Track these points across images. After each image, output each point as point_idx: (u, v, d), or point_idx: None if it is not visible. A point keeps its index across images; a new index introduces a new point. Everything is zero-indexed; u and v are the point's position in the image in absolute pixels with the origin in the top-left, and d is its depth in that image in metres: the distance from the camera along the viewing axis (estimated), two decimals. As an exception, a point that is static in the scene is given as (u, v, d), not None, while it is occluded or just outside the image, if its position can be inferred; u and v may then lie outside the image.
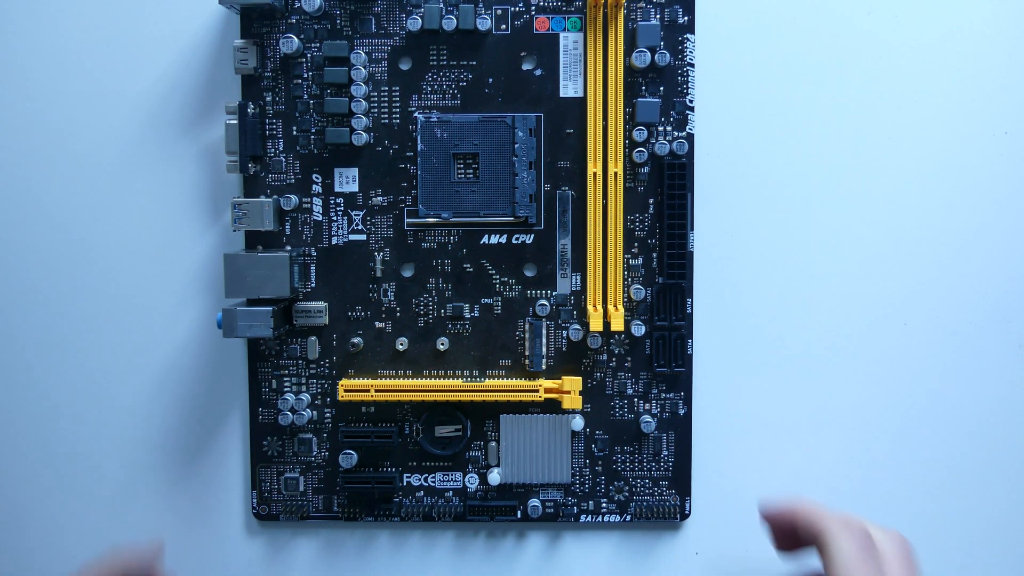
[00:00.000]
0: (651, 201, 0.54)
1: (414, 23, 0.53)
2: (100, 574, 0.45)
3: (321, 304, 0.55)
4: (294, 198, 0.54)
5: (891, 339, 0.56)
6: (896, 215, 0.56)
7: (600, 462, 0.56)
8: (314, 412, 0.56)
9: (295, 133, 0.54)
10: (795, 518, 0.45)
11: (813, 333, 0.56)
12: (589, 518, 0.56)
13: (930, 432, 0.56)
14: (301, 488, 0.56)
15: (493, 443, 0.56)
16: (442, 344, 0.55)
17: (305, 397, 0.55)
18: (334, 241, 0.55)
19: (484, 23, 0.53)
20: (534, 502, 0.56)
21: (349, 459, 0.55)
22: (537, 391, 0.54)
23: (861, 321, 0.56)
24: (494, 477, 0.55)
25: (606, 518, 0.56)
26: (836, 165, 0.56)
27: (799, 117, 0.55)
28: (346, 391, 0.54)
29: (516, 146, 0.54)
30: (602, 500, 0.56)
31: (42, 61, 0.56)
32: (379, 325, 0.55)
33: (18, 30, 0.56)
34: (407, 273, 0.55)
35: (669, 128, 0.54)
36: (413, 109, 0.54)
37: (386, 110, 0.54)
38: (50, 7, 0.56)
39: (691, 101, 0.54)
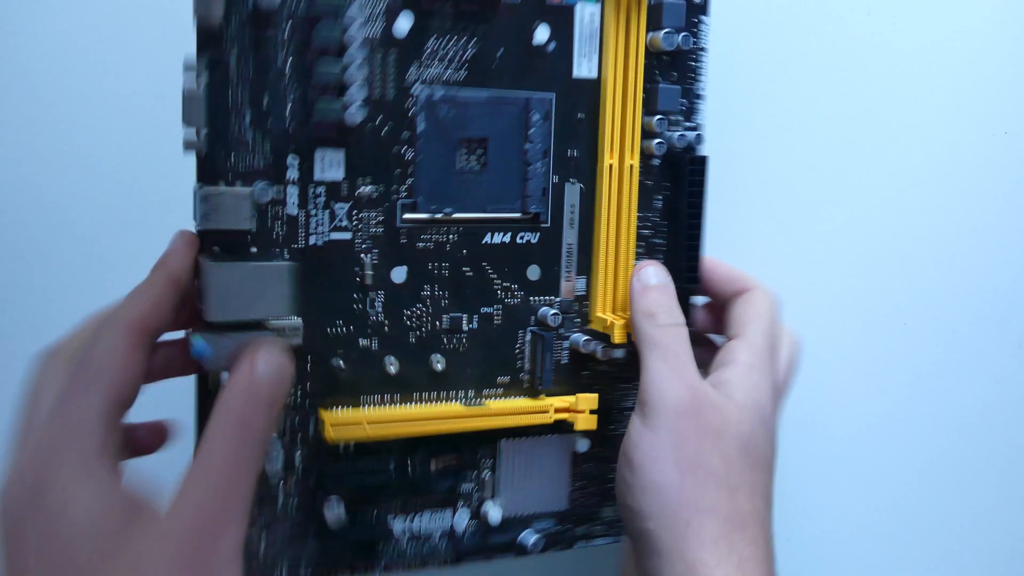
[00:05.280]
0: (658, 198, 0.50)
1: (422, -24, 0.44)
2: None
3: (296, 320, 0.44)
4: (269, 188, 0.43)
5: (891, 339, 0.56)
6: (896, 215, 0.56)
7: (598, 483, 0.50)
8: (281, 452, 0.45)
9: (265, 107, 0.43)
10: (716, 269, 0.50)
11: (813, 335, 0.54)
12: (585, 544, 0.51)
13: (930, 432, 0.58)
14: (262, 551, 0.45)
15: (488, 472, 0.48)
16: (438, 363, 0.47)
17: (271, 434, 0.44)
18: (312, 241, 0.44)
19: (502, -15, 0.45)
20: (529, 535, 0.49)
21: (334, 510, 0.45)
22: (547, 412, 0.47)
23: (861, 321, 0.55)
24: (494, 514, 0.48)
25: (601, 541, 0.51)
26: (835, 166, 0.55)
27: (797, 118, 0.54)
28: (334, 426, 0.44)
29: (531, 131, 0.46)
30: (598, 525, 0.51)
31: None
32: (364, 343, 0.45)
33: None
34: (398, 279, 0.46)
35: (679, 118, 0.49)
36: (412, 82, 0.45)
37: (380, 81, 0.44)
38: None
39: (702, 90, 0.50)
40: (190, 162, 0.42)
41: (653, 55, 0.49)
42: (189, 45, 0.41)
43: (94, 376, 0.36)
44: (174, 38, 0.43)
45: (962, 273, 0.58)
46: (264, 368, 0.37)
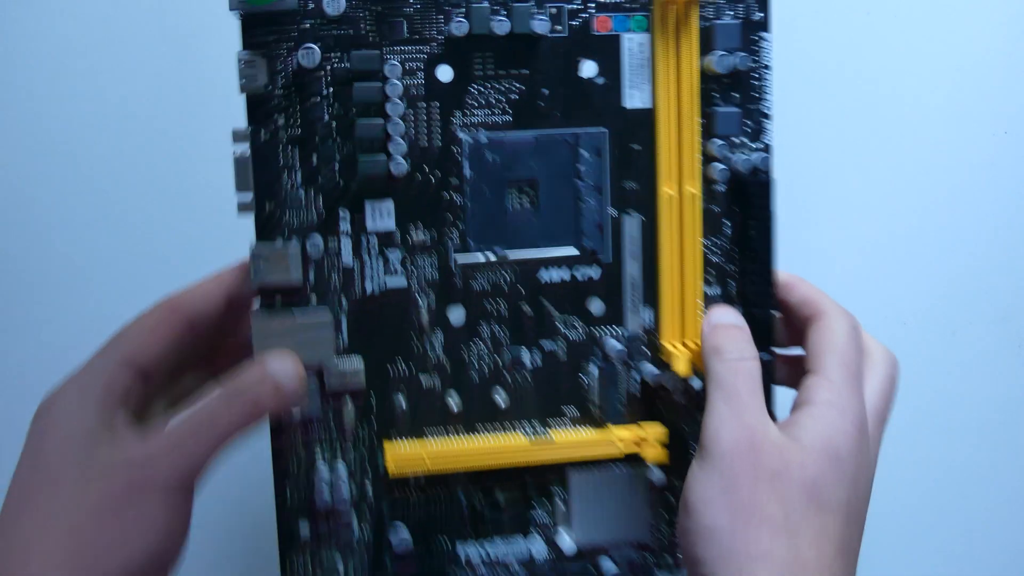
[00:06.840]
0: (726, 223, 0.48)
1: (459, 27, 0.45)
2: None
3: (357, 365, 0.46)
4: (320, 240, 0.45)
5: (891, 339, 0.53)
6: (895, 215, 0.55)
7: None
8: (354, 485, 0.48)
9: (315, 164, 0.45)
10: (792, 290, 0.48)
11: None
12: (668, 574, 0.50)
13: (930, 432, 0.56)
14: (341, 572, 0.48)
15: (560, 502, 0.49)
16: (500, 398, 0.48)
17: (341, 468, 0.47)
18: (369, 289, 0.46)
19: (542, 25, 0.45)
20: (608, 563, 0.50)
21: (399, 535, 0.47)
22: (613, 443, 0.47)
23: (860, 322, 0.53)
24: (567, 544, 0.49)
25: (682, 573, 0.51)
26: (833, 166, 0.55)
27: (794, 118, 0.52)
28: (395, 461, 0.46)
29: (581, 168, 0.46)
30: (679, 554, 0.51)
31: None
32: (426, 381, 0.47)
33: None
34: (456, 320, 0.47)
35: (744, 140, 0.48)
36: (456, 127, 0.46)
37: (424, 131, 0.46)
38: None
39: (768, 108, 0.48)
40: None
41: (711, 78, 0.47)
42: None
43: (119, 337, 0.43)
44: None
45: (962, 273, 0.57)
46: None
